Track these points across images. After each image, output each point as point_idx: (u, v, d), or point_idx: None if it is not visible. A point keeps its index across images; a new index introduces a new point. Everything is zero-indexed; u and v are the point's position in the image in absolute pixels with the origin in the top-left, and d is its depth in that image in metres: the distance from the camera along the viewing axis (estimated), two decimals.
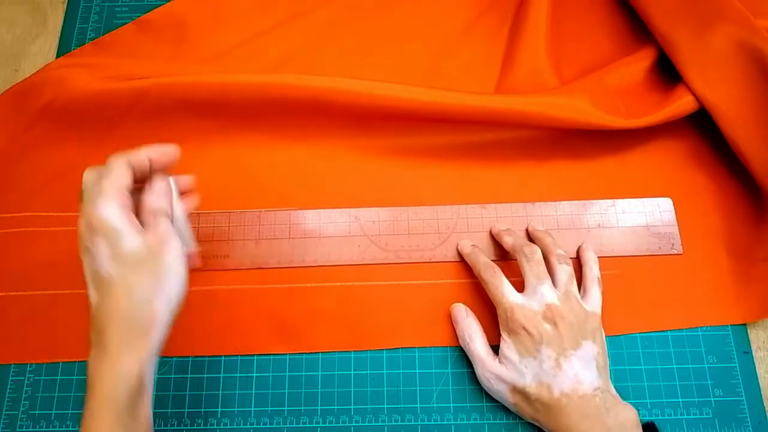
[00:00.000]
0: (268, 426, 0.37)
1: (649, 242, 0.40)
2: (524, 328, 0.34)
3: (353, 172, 0.42)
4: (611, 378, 0.35)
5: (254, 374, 0.38)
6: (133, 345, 0.27)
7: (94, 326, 0.28)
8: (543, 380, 0.33)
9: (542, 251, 0.37)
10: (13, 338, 0.38)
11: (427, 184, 0.42)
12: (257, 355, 0.38)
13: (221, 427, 0.37)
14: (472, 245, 0.39)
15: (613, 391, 0.35)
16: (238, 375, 0.38)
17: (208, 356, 0.38)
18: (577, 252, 0.40)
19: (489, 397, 0.37)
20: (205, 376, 0.38)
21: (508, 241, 0.38)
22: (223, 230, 0.41)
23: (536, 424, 0.35)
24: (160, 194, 0.30)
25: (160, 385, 0.38)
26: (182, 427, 0.37)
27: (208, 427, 0.37)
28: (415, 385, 0.38)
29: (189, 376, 0.38)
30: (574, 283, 0.36)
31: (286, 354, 0.38)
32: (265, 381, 0.38)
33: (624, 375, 0.38)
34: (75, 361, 0.38)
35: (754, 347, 0.39)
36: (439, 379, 0.38)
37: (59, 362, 0.38)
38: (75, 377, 0.38)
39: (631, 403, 0.35)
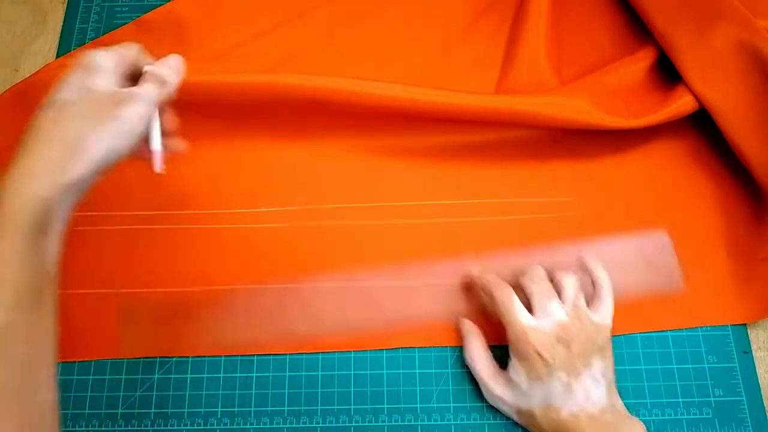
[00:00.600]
0: (268, 426, 0.37)
1: (647, 280, 0.39)
2: (537, 353, 0.33)
3: (352, 171, 0.42)
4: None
5: (254, 374, 0.38)
6: (51, 166, 0.26)
7: (24, 141, 0.27)
8: (552, 403, 0.33)
9: (547, 269, 0.36)
10: None
11: (426, 184, 0.42)
12: (257, 355, 0.38)
13: (221, 427, 0.37)
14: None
15: (620, 404, 0.34)
16: (238, 375, 0.38)
17: (208, 357, 0.38)
18: (581, 263, 0.37)
19: None
20: (205, 376, 0.38)
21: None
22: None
23: None
24: (166, 66, 0.31)
25: (160, 385, 0.38)
26: (182, 427, 0.37)
27: (208, 427, 0.37)
28: (415, 385, 0.38)
29: (189, 376, 0.38)
30: (582, 296, 0.35)
31: (286, 354, 0.38)
32: (265, 381, 0.38)
33: (624, 375, 0.38)
34: (75, 361, 0.38)
35: (754, 347, 0.39)
36: (439, 379, 0.38)
37: (58, 362, 0.38)
38: (75, 377, 0.38)
39: (631, 403, 0.35)
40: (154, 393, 0.37)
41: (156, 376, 0.38)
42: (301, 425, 0.37)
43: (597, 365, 0.33)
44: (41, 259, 0.26)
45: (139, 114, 0.29)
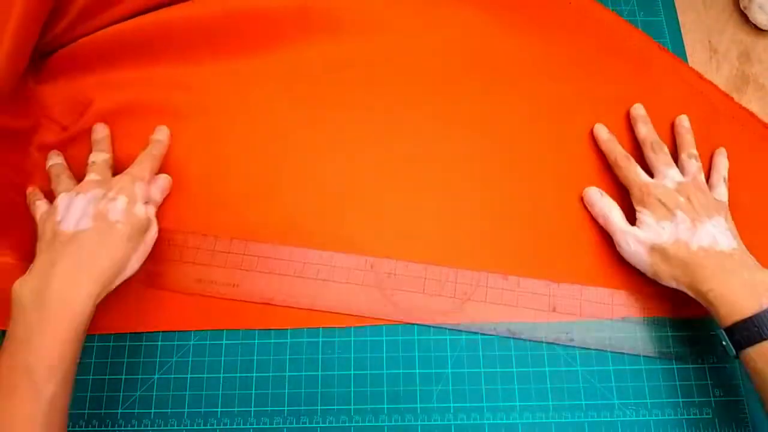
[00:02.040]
0: (268, 426, 0.37)
1: (671, 343, 0.38)
2: (659, 200, 0.37)
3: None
4: (610, 379, 0.36)
5: (254, 374, 0.38)
6: (102, 279, 0.33)
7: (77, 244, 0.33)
8: (680, 237, 0.35)
9: (678, 145, 0.41)
10: None
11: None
12: (257, 356, 0.38)
13: (221, 427, 0.37)
14: (609, 132, 0.42)
15: (752, 260, 0.35)
16: (238, 375, 0.38)
17: (208, 357, 0.38)
18: (711, 156, 0.42)
19: (489, 397, 0.37)
20: (205, 376, 0.38)
21: (641, 130, 0.41)
22: (237, 258, 0.40)
23: (673, 285, 0.36)
24: (160, 190, 0.40)
25: (160, 384, 0.38)
26: (182, 427, 0.37)
27: (208, 427, 0.37)
28: (415, 385, 0.38)
29: (189, 376, 0.38)
30: (702, 175, 0.39)
31: (286, 355, 0.38)
32: (265, 381, 0.38)
33: (624, 375, 0.38)
34: None
35: None
36: (439, 379, 0.38)
37: None
38: (75, 377, 0.38)
39: (631, 403, 0.35)
40: (154, 393, 0.37)
41: (156, 376, 0.38)
42: (300, 425, 0.37)
43: (720, 221, 0.36)
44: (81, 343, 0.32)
45: (155, 236, 0.37)
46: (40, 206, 0.38)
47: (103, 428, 0.37)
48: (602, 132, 0.42)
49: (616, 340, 0.38)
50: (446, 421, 0.37)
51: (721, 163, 0.41)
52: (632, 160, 0.40)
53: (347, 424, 0.37)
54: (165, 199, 0.41)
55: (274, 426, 0.37)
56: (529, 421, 0.37)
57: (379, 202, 0.41)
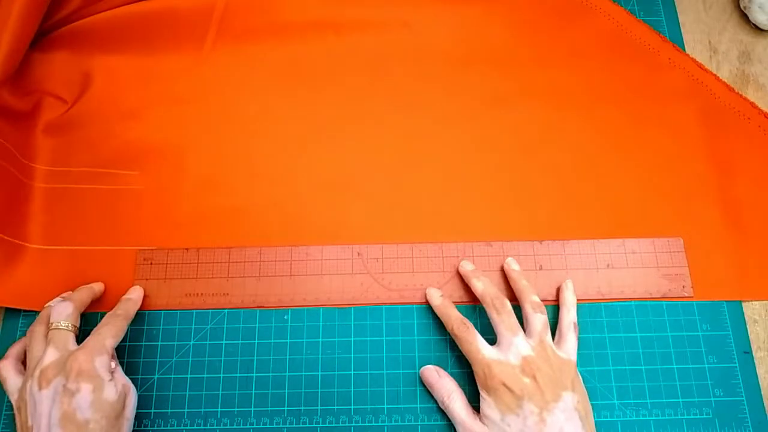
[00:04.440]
0: (268, 426, 0.37)
1: (659, 284, 0.39)
2: (504, 385, 0.33)
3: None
4: (610, 379, 0.36)
5: (254, 374, 0.38)
6: None
7: None
8: None
9: (517, 294, 0.37)
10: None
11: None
12: (257, 356, 0.38)
13: (221, 427, 0.37)
14: (441, 296, 0.38)
15: None
16: (237, 375, 0.38)
17: (208, 357, 0.38)
18: (557, 291, 0.39)
19: None
20: (205, 376, 0.38)
21: (477, 286, 0.37)
22: (222, 267, 0.40)
23: None
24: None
25: (160, 385, 0.38)
26: (182, 427, 0.37)
27: (208, 427, 0.37)
28: (415, 385, 0.38)
29: (189, 376, 0.38)
30: (548, 332, 0.35)
31: (286, 355, 0.38)
32: (265, 381, 0.38)
33: (624, 375, 0.38)
34: None
35: (754, 347, 0.39)
36: None
37: None
38: None
39: (631, 403, 0.35)
40: (154, 393, 0.37)
41: (156, 376, 0.38)
42: (300, 425, 0.37)
43: (567, 399, 0.33)
44: None
45: (134, 398, 0.34)
46: (8, 376, 0.34)
47: None
48: (434, 297, 0.38)
49: (604, 287, 0.39)
50: (447, 421, 0.37)
51: (569, 302, 0.37)
52: (471, 328, 0.35)
53: (347, 424, 0.37)
54: (143, 217, 0.41)
55: (274, 426, 0.37)
56: None
57: (368, 192, 0.42)
